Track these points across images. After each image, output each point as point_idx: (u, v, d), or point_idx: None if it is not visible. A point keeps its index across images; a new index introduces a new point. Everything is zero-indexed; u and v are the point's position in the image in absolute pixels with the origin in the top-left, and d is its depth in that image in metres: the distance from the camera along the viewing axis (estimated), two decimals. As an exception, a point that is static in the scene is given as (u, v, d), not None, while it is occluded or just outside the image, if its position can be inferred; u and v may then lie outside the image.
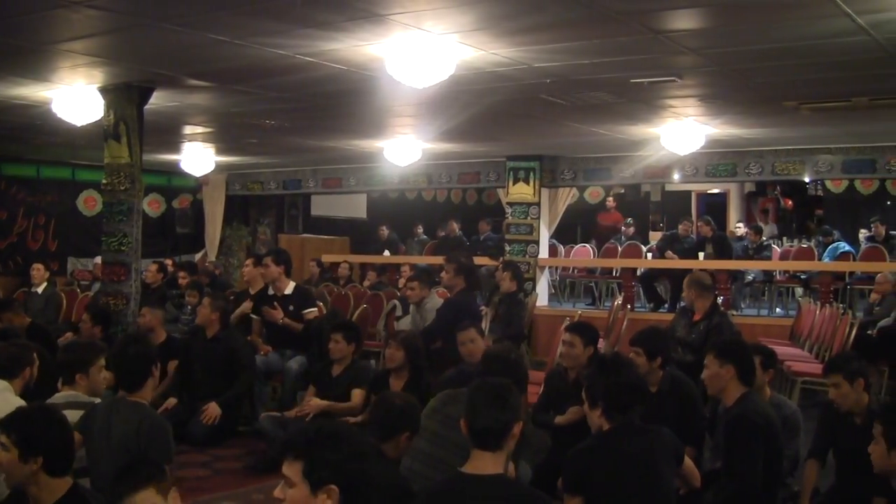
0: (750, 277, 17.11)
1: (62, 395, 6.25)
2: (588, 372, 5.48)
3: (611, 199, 22.42)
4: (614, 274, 18.33)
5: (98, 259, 14.25)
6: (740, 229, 20.88)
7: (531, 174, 17.20)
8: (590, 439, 5.12)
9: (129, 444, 5.46)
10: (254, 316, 10.91)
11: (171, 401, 9.49)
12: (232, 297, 11.93)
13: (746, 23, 7.79)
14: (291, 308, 10.73)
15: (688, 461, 5.49)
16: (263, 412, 9.82)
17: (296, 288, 11.04)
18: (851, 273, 16.37)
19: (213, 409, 9.51)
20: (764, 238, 18.40)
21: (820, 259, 17.29)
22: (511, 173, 17.40)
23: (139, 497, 4.01)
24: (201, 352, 10.06)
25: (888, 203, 23.61)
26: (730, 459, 5.91)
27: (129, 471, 4.16)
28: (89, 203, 20.12)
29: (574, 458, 5.00)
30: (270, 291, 10.91)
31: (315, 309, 11.03)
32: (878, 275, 13.97)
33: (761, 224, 21.90)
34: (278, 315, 10.57)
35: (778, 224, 23.80)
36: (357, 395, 8.74)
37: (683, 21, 7.85)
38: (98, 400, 6.21)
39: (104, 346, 6.95)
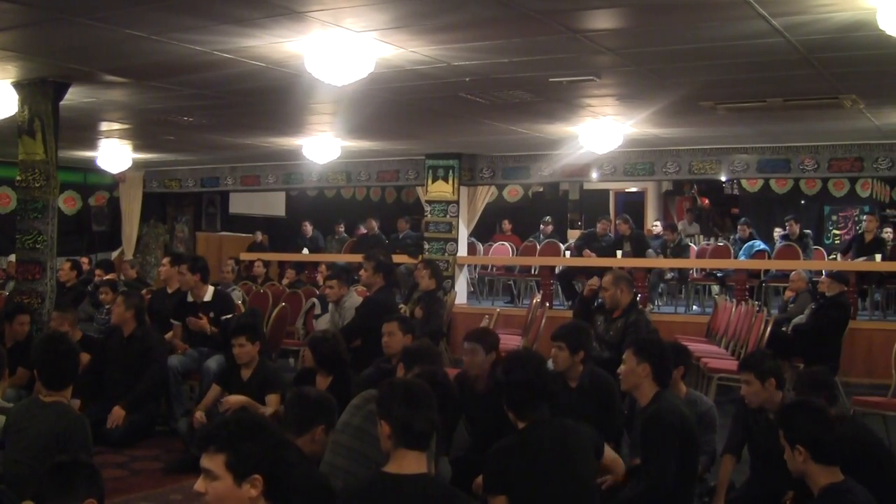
0: (669, 276, 17.27)
1: None
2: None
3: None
4: (533, 272, 18.42)
5: (12, 257, 14.05)
6: (657, 227, 21.07)
7: (450, 172, 17.22)
8: (507, 438, 5.17)
9: (48, 445, 5.36)
10: (174, 322, 10.79)
11: (76, 402, 9.33)
12: (149, 296, 11.82)
13: (664, 24, 7.87)
14: (212, 314, 10.62)
15: (609, 452, 5.57)
16: (183, 412, 9.76)
17: (215, 293, 10.92)
18: (766, 271, 16.63)
19: (116, 414, 9.31)
20: (681, 235, 18.59)
21: (736, 257, 17.51)
22: (430, 171, 17.41)
23: None
24: (118, 351, 9.93)
25: (802, 202, 23.95)
26: (644, 458, 5.98)
27: (65, 479, 4.09)
28: (3, 200, 19.79)
29: (493, 457, 5.06)
30: (190, 298, 10.80)
31: (234, 313, 10.96)
32: (793, 272, 14.20)
33: (686, 222, 22.20)
34: (205, 325, 10.44)
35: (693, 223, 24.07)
36: (273, 400, 8.57)
37: (602, 21, 7.91)
38: (9, 404, 6.11)
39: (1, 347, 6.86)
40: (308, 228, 21.11)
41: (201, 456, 3.43)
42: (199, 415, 8.71)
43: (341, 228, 21.88)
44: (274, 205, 24.93)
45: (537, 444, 5.07)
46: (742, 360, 7.08)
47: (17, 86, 10.59)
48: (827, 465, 4.72)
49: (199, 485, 3.41)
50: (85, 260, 17.46)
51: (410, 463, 4.17)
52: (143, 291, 12.73)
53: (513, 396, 5.27)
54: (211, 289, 10.88)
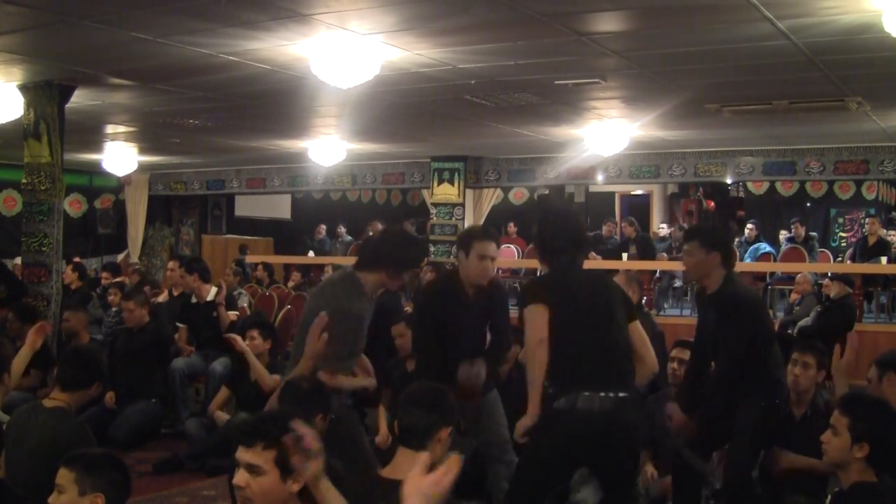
0: (677, 284, 17.17)
1: None
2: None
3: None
4: (538, 275, 18.29)
5: (18, 260, 14.03)
6: (663, 230, 21.02)
7: (455, 175, 17.23)
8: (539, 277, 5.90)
9: (48, 451, 5.32)
10: (180, 325, 10.81)
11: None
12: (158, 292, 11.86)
13: (669, 26, 7.86)
14: (215, 314, 10.66)
15: (639, 328, 5.71)
16: (189, 414, 9.77)
17: (218, 294, 10.95)
18: (772, 273, 16.58)
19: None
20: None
21: (741, 259, 17.47)
22: (435, 174, 17.42)
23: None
24: (124, 344, 10.00)
25: (808, 204, 23.95)
26: (721, 338, 6.12)
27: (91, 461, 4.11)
28: (9, 203, 19.80)
29: (530, 285, 5.84)
30: (194, 300, 10.83)
31: (237, 312, 10.97)
32: (798, 275, 14.16)
33: (685, 225, 22.14)
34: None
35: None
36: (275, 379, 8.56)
37: (607, 23, 7.91)
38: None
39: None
40: (322, 231, 21.16)
41: (239, 450, 3.44)
42: (221, 414, 9.06)
43: (342, 231, 21.91)
44: (279, 207, 24.90)
45: (568, 276, 5.52)
46: (806, 343, 7.18)
47: (23, 88, 10.58)
48: (872, 467, 4.73)
49: (240, 479, 3.42)
50: (76, 259, 17.43)
51: (405, 460, 4.16)
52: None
53: (548, 244, 5.63)
54: (214, 288, 10.90)
